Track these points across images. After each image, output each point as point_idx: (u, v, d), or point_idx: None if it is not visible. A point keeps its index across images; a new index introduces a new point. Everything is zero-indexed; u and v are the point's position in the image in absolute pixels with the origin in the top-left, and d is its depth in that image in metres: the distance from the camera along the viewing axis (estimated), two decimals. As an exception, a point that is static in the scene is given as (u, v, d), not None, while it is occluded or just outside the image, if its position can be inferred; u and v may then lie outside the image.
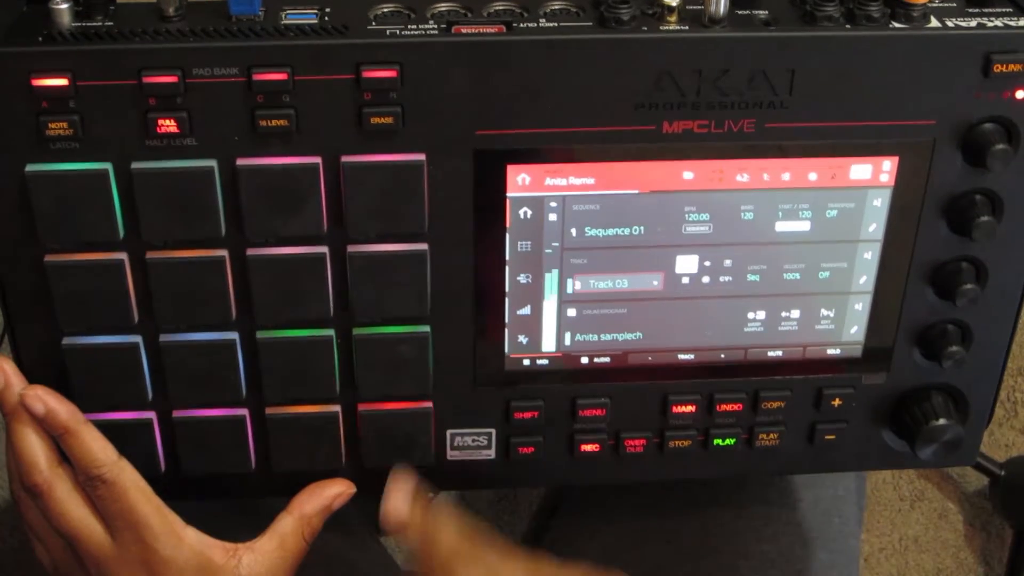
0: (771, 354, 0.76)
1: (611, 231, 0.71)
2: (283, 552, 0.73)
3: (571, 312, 0.73)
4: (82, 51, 0.63)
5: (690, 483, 0.94)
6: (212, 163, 0.65)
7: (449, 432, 0.77)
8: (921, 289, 0.74)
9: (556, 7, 0.67)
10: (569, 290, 0.72)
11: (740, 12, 0.67)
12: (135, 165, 0.65)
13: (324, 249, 0.69)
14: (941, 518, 1.42)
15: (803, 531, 0.94)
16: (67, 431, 0.69)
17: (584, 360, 0.75)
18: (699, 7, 0.66)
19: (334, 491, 0.76)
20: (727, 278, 0.73)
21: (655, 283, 0.73)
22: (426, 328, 0.72)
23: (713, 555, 0.94)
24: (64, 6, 0.64)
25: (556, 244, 0.71)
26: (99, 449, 0.69)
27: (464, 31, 0.65)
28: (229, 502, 0.80)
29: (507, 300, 0.72)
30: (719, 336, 0.75)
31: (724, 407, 0.77)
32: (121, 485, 0.69)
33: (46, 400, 0.69)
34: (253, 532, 0.75)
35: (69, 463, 0.71)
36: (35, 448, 0.69)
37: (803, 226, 0.71)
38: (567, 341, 0.74)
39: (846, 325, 0.75)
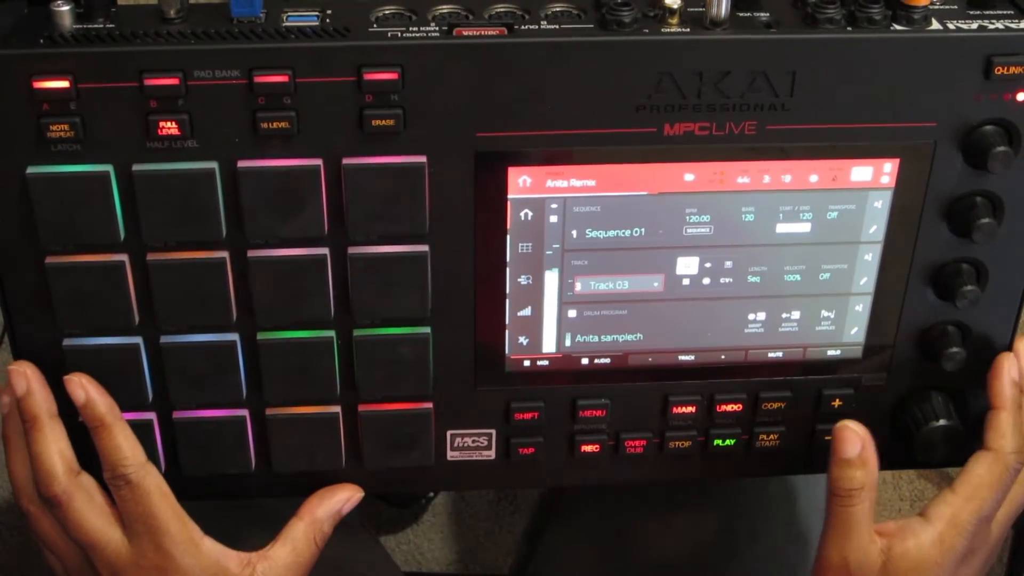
0: (771, 355, 0.76)
1: (612, 233, 0.71)
2: (296, 558, 0.73)
3: (572, 313, 0.73)
4: (83, 53, 0.63)
5: (686, 482, 0.94)
6: (213, 165, 0.65)
7: (449, 432, 0.77)
8: (921, 290, 0.74)
9: (557, 9, 0.67)
10: (570, 291, 0.72)
11: (741, 14, 0.67)
12: (136, 167, 0.65)
13: (325, 251, 0.69)
14: (940, 517, 1.42)
15: (797, 529, 0.94)
16: (102, 424, 0.69)
17: (584, 361, 0.75)
18: (700, 9, 0.66)
19: (344, 495, 0.76)
20: (728, 279, 0.73)
21: (656, 284, 0.73)
22: (427, 329, 0.72)
23: (709, 554, 0.94)
24: (65, 8, 0.64)
25: (557, 246, 0.71)
26: (129, 448, 0.69)
27: (465, 33, 0.65)
28: (229, 502, 0.80)
29: (508, 301, 0.72)
30: (719, 337, 0.75)
31: (724, 408, 0.77)
32: (145, 488, 0.69)
33: (88, 388, 0.69)
34: (253, 532, 0.75)
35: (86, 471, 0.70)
36: (54, 457, 0.69)
37: (804, 228, 0.71)
38: (567, 342, 0.74)
39: (846, 326, 0.75)
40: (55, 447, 0.69)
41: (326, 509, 0.75)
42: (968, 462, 0.73)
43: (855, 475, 0.71)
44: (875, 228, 0.72)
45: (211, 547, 0.71)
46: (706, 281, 0.73)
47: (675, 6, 0.66)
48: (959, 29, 0.66)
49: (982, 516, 0.72)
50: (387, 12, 0.67)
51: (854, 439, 0.71)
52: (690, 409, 0.77)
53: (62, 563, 0.72)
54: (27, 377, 0.69)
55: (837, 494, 0.71)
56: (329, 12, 0.66)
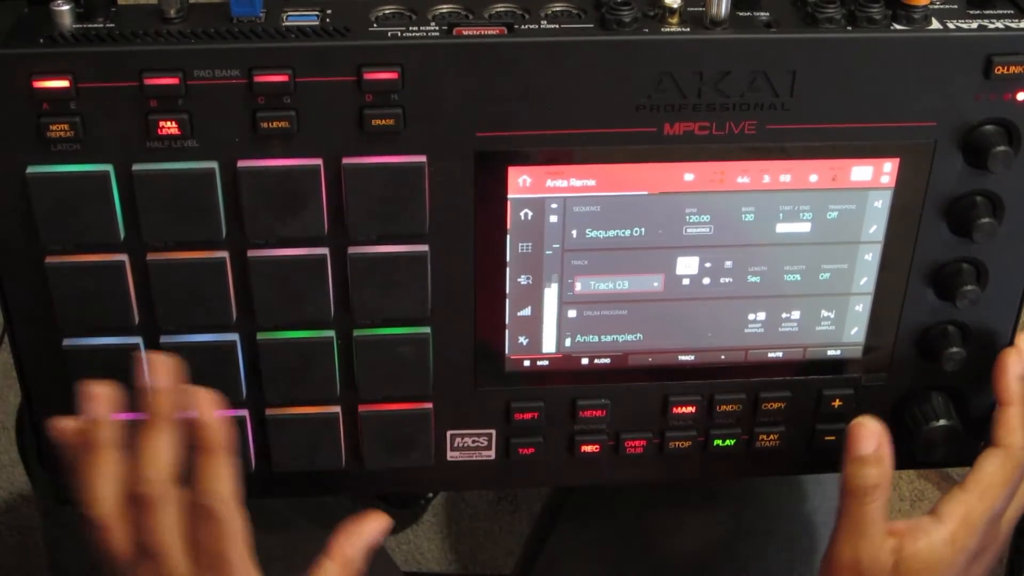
0: (771, 355, 0.76)
1: (612, 232, 0.71)
2: None
3: (571, 313, 0.73)
4: (83, 53, 0.63)
5: (691, 483, 0.94)
6: (213, 165, 0.65)
7: (449, 433, 0.77)
8: (921, 290, 0.74)
9: (557, 9, 0.67)
10: (570, 291, 0.72)
11: (741, 14, 0.67)
12: (136, 167, 0.65)
13: (325, 250, 0.69)
14: (940, 517, 1.42)
15: (797, 528, 0.94)
16: (212, 449, 0.66)
17: (584, 361, 0.75)
18: (700, 9, 0.66)
19: (372, 527, 0.73)
20: (728, 279, 0.73)
21: (656, 284, 0.73)
22: (426, 329, 0.72)
23: (711, 554, 0.94)
24: (65, 8, 0.64)
25: (557, 245, 0.71)
26: (227, 482, 0.66)
27: (465, 33, 0.65)
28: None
29: (507, 301, 0.72)
30: (719, 337, 0.75)
31: (724, 408, 0.77)
32: (227, 528, 0.66)
33: (212, 409, 0.66)
34: (254, 532, 0.74)
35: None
36: (161, 459, 0.65)
37: (804, 227, 0.71)
38: (567, 342, 0.74)
39: (846, 326, 0.75)
40: (168, 449, 0.66)
41: (356, 546, 0.72)
42: (978, 460, 0.72)
43: (870, 472, 0.70)
44: (875, 228, 0.72)
45: None
46: (706, 281, 0.73)
47: (675, 6, 0.66)
48: (959, 29, 0.66)
49: (994, 514, 0.71)
50: (387, 12, 0.67)
51: (869, 436, 0.70)
52: (690, 409, 0.77)
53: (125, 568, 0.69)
54: (172, 371, 0.66)
55: (851, 492, 0.70)
56: (329, 12, 0.66)
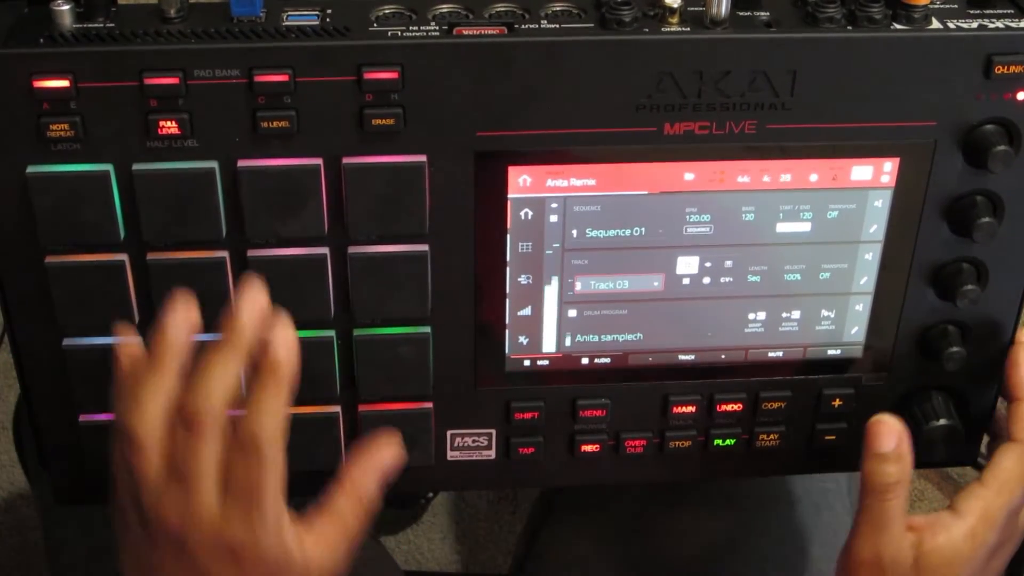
0: (771, 355, 0.76)
1: (612, 232, 0.71)
2: (344, 531, 0.68)
3: (572, 313, 0.73)
4: (83, 52, 0.63)
5: (686, 482, 0.94)
6: (213, 164, 0.65)
7: (449, 432, 0.77)
8: (922, 290, 0.74)
9: (557, 8, 0.67)
10: (570, 291, 0.72)
11: (741, 13, 0.67)
12: (136, 166, 0.65)
13: (325, 250, 0.69)
14: (940, 517, 1.42)
15: (795, 527, 0.94)
16: (276, 377, 0.63)
17: (584, 361, 0.75)
18: (700, 9, 0.66)
19: (383, 455, 0.70)
20: (728, 279, 0.73)
21: (656, 284, 0.73)
22: (427, 329, 0.72)
23: (706, 552, 0.94)
24: (65, 7, 0.64)
25: (557, 245, 0.71)
26: (279, 417, 0.63)
27: (465, 32, 0.65)
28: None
29: (508, 301, 0.72)
30: (720, 337, 0.75)
31: (724, 408, 0.77)
32: (268, 463, 0.63)
33: (293, 349, 0.64)
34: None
35: None
36: (224, 385, 0.63)
37: (804, 227, 0.71)
38: (567, 342, 0.74)
39: (847, 326, 0.75)
40: (233, 377, 0.63)
41: (368, 477, 0.70)
42: (995, 455, 0.73)
43: (890, 470, 0.70)
44: (875, 227, 0.72)
45: (289, 534, 0.65)
46: (706, 281, 0.73)
47: (675, 5, 0.66)
48: (959, 28, 0.66)
49: (1012, 508, 0.72)
50: (387, 11, 0.67)
51: (889, 433, 0.70)
52: (690, 409, 0.77)
53: (136, 506, 0.65)
54: (260, 299, 0.64)
55: (872, 489, 0.70)
56: (329, 11, 0.66)
